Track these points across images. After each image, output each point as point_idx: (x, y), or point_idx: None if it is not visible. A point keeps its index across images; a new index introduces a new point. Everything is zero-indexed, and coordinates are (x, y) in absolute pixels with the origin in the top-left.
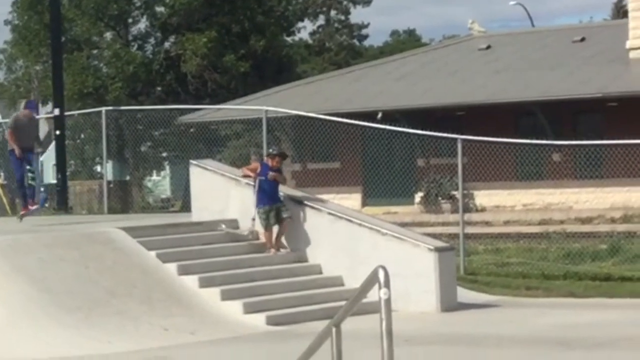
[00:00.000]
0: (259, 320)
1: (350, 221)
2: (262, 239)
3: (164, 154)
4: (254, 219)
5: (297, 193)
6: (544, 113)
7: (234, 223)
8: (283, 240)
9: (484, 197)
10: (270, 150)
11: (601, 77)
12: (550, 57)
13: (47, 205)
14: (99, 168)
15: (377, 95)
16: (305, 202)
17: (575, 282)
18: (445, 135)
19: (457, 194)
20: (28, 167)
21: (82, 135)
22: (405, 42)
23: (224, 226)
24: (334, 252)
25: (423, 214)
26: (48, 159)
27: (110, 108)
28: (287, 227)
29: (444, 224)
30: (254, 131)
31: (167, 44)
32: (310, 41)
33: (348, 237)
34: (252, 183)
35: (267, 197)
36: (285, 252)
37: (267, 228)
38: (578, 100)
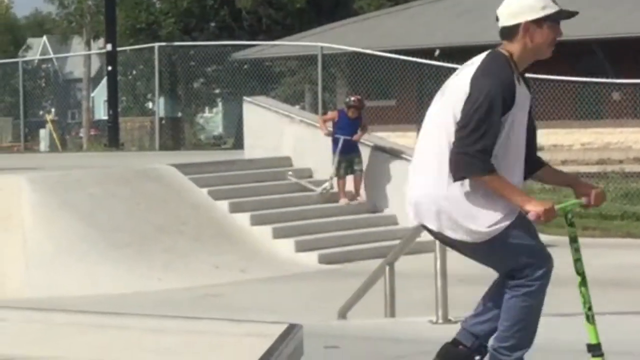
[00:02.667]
0: (311, 258)
1: (406, 160)
2: (336, 188)
3: (217, 91)
4: (331, 178)
5: None
6: (604, 51)
7: (287, 161)
8: (362, 192)
9: (541, 136)
10: (347, 100)
11: None
12: None
13: None
14: (150, 104)
15: (435, 32)
16: (360, 140)
17: (633, 222)
18: None
19: None
20: None
21: (134, 71)
22: None
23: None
24: (388, 190)
25: None
26: (99, 94)
27: (163, 44)
28: (360, 180)
29: None
30: (309, 68)
31: None
32: None
33: (403, 175)
34: (330, 129)
35: (343, 148)
36: (357, 203)
37: (339, 177)
38: (639, 38)
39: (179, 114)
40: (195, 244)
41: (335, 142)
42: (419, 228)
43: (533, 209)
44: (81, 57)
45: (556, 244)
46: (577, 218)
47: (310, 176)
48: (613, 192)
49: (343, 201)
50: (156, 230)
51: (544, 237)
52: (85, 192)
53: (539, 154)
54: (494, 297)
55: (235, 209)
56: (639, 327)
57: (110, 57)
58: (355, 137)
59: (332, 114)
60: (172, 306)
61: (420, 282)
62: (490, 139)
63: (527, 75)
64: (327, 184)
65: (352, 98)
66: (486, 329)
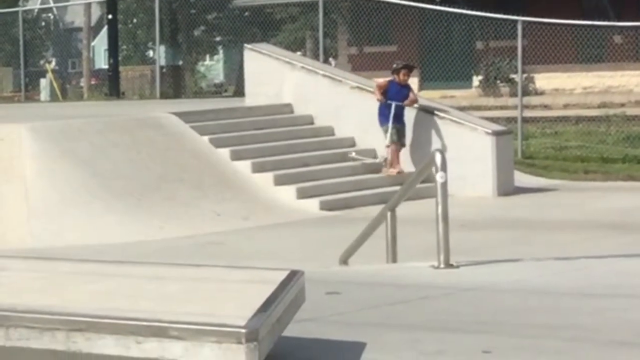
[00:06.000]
0: (312, 205)
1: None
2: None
3: (218, 38)
4: (388, 146)
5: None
6: None
7: (288, 108)
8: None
9: (543, 80)
10: (395, 65)
11: None
12: None
13: None
14: (151, 53)
15: None
16: (361, 85)
17: (635, 165)
18: (505, 16)
19: (516, 77)
20: None
21: (135, 20)
22: None
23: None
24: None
25: (481, 97)
26: (100, 43)
27: None
28: (399, 152)
29: (502, 107)
30: (310, 14)
31: None
32: None
33: (406, 120)
34: (378, 97)
35: (394, 117)
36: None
37: (392, 143)
38: None
39: (180, 62)
40: (197, 192)
41: (386, 109)
42: (421, 173)
43: None
44: (81, 6)
45: (558, 188)
46: (578, 162)
47: (312, 123)
48: (614, 135)
49: (394, 170)
50: (158, 178)
51: (546, 182)
52: (86, 141)
53: (541, 98)
54: None
55: (236, 156)
56: None
57: (111, 6)
58: (406, 102)
59: (384, 82)
60: (174, 254)
61: (421, 227)
62: None
63: (528, 19)
64: (385, 154)
65: (398, 62)
66: None
